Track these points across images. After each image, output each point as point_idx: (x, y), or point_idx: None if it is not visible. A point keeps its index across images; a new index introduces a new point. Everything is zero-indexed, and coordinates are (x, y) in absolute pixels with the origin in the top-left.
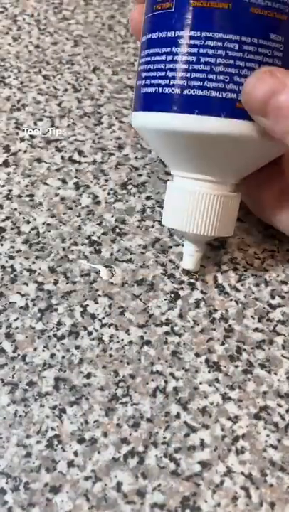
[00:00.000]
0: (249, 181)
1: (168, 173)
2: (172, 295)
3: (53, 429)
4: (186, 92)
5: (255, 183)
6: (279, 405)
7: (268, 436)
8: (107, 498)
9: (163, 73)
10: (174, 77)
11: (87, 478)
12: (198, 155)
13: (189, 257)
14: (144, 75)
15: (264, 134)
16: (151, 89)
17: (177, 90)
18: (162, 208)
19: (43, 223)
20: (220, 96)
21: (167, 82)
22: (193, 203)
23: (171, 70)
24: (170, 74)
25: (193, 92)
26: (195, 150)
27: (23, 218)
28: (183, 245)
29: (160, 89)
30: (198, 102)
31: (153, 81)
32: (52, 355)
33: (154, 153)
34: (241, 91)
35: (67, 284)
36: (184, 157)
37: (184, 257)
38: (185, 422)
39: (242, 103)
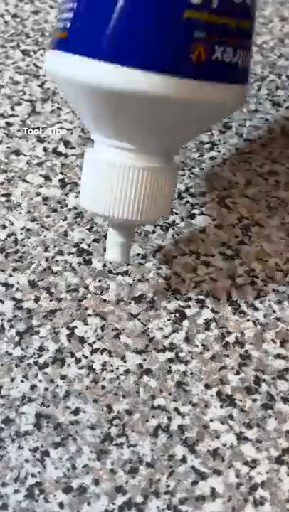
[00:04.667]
0: None
1: None
2: (177, 314)
3: (33, 475)
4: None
5: None
6: None
7: None
8: None
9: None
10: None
11: None
12: (110, 115)
13: (114, 247)
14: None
15: (192, 92)
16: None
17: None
18: None
19: (22, 228)
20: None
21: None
22: (114, 179)
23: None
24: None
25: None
26: (104, 109)
27: None
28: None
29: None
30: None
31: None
32: (32, 387)
33: None
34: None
35: (50, 301)
36: (98, 117)
37: (108, 246)
38: (192, 467)
39: None
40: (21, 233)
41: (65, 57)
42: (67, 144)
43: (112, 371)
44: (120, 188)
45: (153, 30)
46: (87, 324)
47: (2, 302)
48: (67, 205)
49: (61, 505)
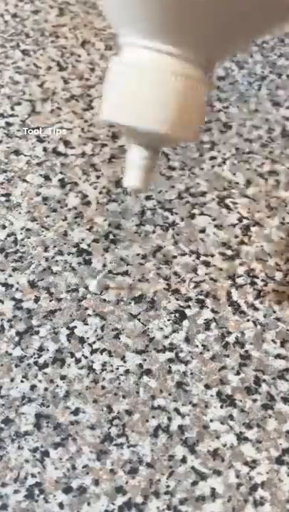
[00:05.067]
0: None
1: (172, 168)
2: (177, 315)
3: (33, 475)
4: None
5: None
6: None
7: None
8: None
9: None
10: None
11: None
12: (156, 7)
13: (135, 168)
14: None
15: None
16: None
17: None
18: (165, 209)
19: (22, 228)
20: None
21: None
22: (144, 83)
23: None
24: None
25: None
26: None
27: None
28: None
29: None
30: None
31: None
32: (32, 387)
33: None
34: None
35: (50, 301)
36: (140, 9)
37: (127, 170)
38: (192, 468)
39: None
40: (21, 233)
41: None
42: (67, 143)
43: (112, 371)
44: (150, 94)
45: None
46: (87, 324)
47: (2, 302)
48: (67, 205)
49: (61, 506)
